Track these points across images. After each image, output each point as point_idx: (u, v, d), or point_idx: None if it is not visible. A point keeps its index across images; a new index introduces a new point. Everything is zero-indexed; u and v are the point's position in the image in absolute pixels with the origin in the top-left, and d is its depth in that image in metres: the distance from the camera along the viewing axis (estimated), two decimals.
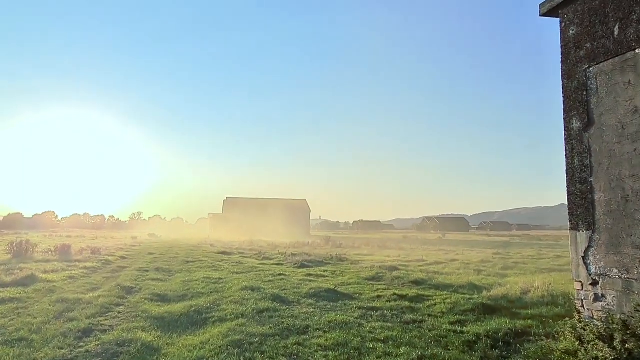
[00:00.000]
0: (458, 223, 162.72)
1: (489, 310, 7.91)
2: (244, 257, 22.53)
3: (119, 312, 8.16)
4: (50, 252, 19.86)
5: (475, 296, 9.36)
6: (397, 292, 9.93)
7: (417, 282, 11.56)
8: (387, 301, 9.02)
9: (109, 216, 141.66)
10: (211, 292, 10.24)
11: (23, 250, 19.28)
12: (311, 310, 8.12)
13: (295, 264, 17.35)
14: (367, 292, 10.29)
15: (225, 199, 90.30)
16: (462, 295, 9.50)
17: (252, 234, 58.65)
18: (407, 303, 8.68)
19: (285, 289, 10.61)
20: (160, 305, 8.77)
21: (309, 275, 13.68)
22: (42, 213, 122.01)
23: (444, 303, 8.58)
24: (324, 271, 14.69)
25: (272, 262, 19.11)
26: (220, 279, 12.62)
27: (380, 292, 10.15)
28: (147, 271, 15.12)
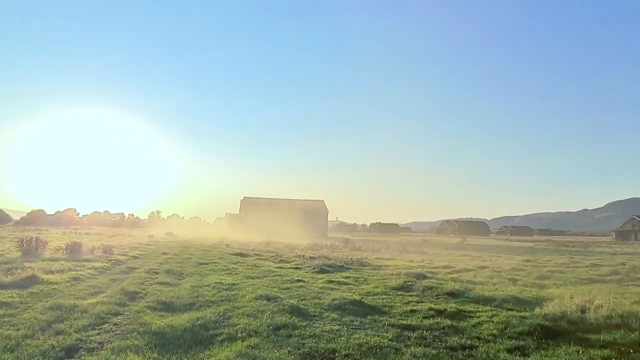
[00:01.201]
0: (478, 227, 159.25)
1: (549, 333, 6.60)
2: (260, 259, 21.48)
3: (115, 325, 7.11)
4: (60, 250, 19.12)
5: (526, 313, 8.03)
6: (433, 305, 8.68)
7: (452, 294, 10.27)
8: (423, 317, 7.78)
9: (129, 214, 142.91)
10: (222, 301, 9.15)
11: (32, 248, 18.61)
12: (336, 327, 6.92)
13: (314, 268, 16.21)
14: (398, 304, 9.06)
15: (242, 198, 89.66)
16: (510, 312, 8.18)
17: (269, 234, 57.74)
18: (448, 321, 7.42)
19: (304, 299, 9.46)
20: (164, 316, 7.71)
21: (330, 282, 12.50)
22: (64, 210, 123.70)
23: (492, 322, 7.29)
24: (346, 278, 13.50)
25: (289, 265, 18.00)
26: (234, 284, 11.54)
27: (414, 305, 8.92)
28: (157, 273, 14.17)
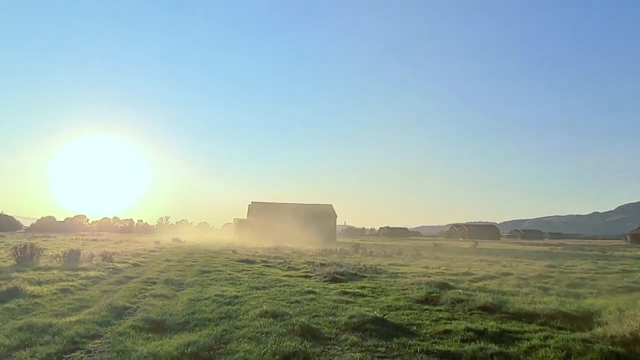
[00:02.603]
0: (488, 230, 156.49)
1: None
2: (268, 266, 20.21)
3: (88, 353, 5.87)
4: (58, 258, 18.04)
5: (585, 334, 6.66)
6: (469, 324, 7.34)
7: (487, 308, 8.92)
8: (462, 341, 6.44)
9: (138, 220, 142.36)
10: (221, 318, 7.89)
11: (27, 256, 17.54)
12: (358, 355, 5.62)
13: (326, 276, 14.91)
14: (427, 322, 7.74)
15: (250, 203, 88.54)
16: (565, 334, 6.83)
17: (277, 239, 56.49)
18: (494, 346, 6.05)
19: (316, 316, 8.17)
20: (150, 339, 6.45)
21: (345, 293, 11.18)
22: (74, 217, 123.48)
23: (548, 347, 5.94)
24: (362, 288, 12.16)
25: (298, 273, 16.71)
26: (236, 297, 10.27)
27: (445, 323, 7.59)
28: (155, 283, 12.98)
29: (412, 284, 12.96)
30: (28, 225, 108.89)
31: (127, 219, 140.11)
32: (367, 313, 7.96)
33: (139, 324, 7.35)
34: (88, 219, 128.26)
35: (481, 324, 7.48)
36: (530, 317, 8.27)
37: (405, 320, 7.92)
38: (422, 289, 11.71)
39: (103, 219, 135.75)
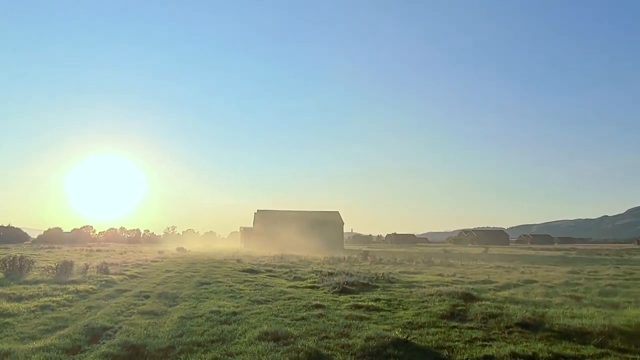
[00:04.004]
0: (497, 236, 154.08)
1: None
2: (272, 276, 18.96)
3: None
4: (50, 270, 16.89)
5: None
6: (513, 347, 6.04)
7: (527, 325, 7.61)
8: None
9: (144, 230, 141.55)
10: (213, 342, 6.64)
11: (16, 268, 16.43)
12: None
13: (335, 287, 13.62)
14: (459, 344, 6.45)
15: (256, 211, 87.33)
16: (632, 357, 5.52)
17: (284, 247, 55.22)
18: None
19: (326, 337, 6.89)
20: None
21: (357, 307, 9.89)
22: (81, 228, 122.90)
23: None
24: (376, 300, 10.87)
25: (305, 283, 15.44)
26: (234, 313, 9.02)
27: (483, 346, 6.30)
28: (147, 297, 11.78)
29: (432, 294, 11.64)
30: (35, 236, 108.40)
31: (134, 229, 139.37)
32: (387, 333, 6.68)
33: (114, 350, 6.13)
34: (95, 230, 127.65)
35: (527, 346, 6.18)
36: (581, 335, 6.96)
37: (433, 341, 6.63)
38: (444, 300, 10.42)
39: (110, 229, 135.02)
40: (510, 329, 7.43)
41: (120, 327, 7.85)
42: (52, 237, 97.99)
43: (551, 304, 10.88)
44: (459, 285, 14.73)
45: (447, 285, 14.49)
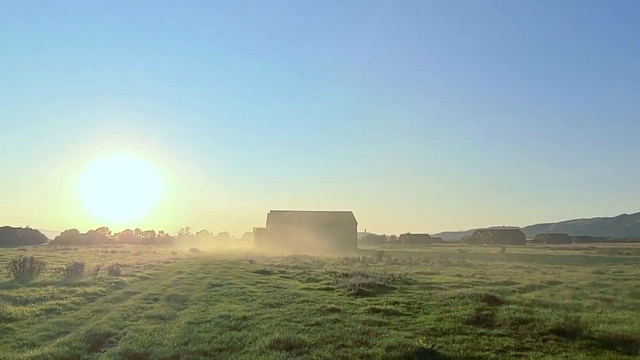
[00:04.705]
0: (513, 235, 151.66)
1: None
2: (285, 277, 18.47)
3: None
4: (60, 272, 16.64)
5: None
6: (554, 359, 5.42)
7: (562, 332, 6.95)
8: None
9: (159, 231, 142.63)
10: (221, 350, 6.14)
11: (27, 270, 16.20)
12: None
13: (350, 289, 13.07)
14: (491, 354, 5.82)
15: (269, 212, 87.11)
16: None
17: (297, 248, 54.80)
18: None
19: (343, 346, 6.33)
20: None
21: (375, 311, 9.31)
22: (97, 229, 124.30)
23: None
24: (394, 304, 10.27)
25: (319, 285, 14.90)
26: (245, 318, 8.52)
27: (517, 356, 5.68)
28: (156, 300, 11.37)
29: (453, 297, 11.01)
30: (52, 238, 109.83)
31: (149, 231, 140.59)
32: (409, 341, 6.10)
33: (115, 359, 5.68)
34: (110, 231, 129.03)
35: (566, 357, 5.56)
36: (624, 343, 6.30)
37: (461, 351, 6.02)
38: (467, 304, 9.79)
39: (125, 230, 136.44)
40: (545, 337, 6.78)
41: (125, 334, 7.40)
42: (69, 239, 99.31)
43: (581, 307, 10.19)
44: (480, 287, 14.04)
45: (468, 287, 13.82)
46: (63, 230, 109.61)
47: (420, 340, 6.21)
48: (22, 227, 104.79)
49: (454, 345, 6.32)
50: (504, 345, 6.27)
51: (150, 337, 6.95)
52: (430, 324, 7.84)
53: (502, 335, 6.96)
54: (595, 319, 8.23)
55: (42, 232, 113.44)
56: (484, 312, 8.69)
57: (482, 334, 7.10)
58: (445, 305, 10.10)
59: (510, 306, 9.40)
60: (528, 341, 6.60)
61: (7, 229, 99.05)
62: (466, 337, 6.85)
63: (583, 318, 8.19)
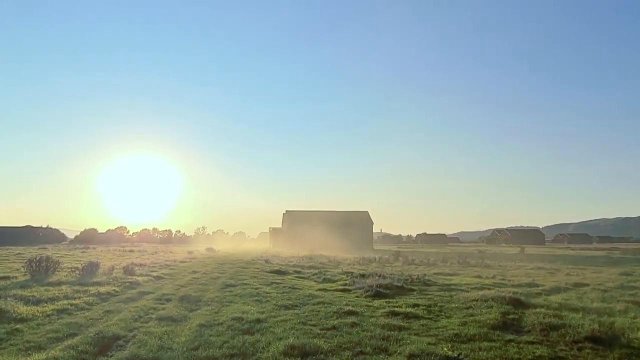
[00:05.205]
0: (532, 235, 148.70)
1: None
2: (301, 277, 18.14)
3: None
4: (76, 271, 16.64)
5: None
6: None
7: (597, 339, 6.44)
8: None
9: (176, 231, 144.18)
10: (232, 356, 5.79)
11: (42, 270, 16.21)
12: None
13: (367, 290, 12.66)
14: None
15: (284, 212, 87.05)
16: None
17: (312, 247, 54.51)
18: None
19: (362, 353, 5.93)
20: None
21: (394, 314, 8.89)
22: (115, 229, 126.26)
23: None
24: (414, 307, 9.82)
25: (335, 286, 14.52)
26: (258, 321, 8.19)
27: None
28: (169, 301, 11.14)
29: (476, 300, 10.51)
30: (72, 237, 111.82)
31: (166, 230, 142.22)
32: (432, 349, 5.69)
33: None
34: (129, 231, 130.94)
35: None
36: None
37: (489, 359, 5.58)
38: (491, 307, 9.30)
39: (143, 230, 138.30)
40: (579, 345, 6.28)
41: (134, 336, 7.14)
42: (88, 238, 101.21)
43: (613, 312, 9.59)
44: (502, 289, 13.49)
45: (490, 289, 13.27)
46: (82, 230, 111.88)
47: (445, 348, 5.78)
48: (43, 226, 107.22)
49: (480, 353, 5.87)
50: (536, 354, 5.79)
51: (159, 341, 6.66)
52: (453, 329, 7.39)
53: (532, 343, 6.47)
54: (631, 324, 7.69)
55: (62, 232, 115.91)
56: (510, 317, 8.20)
57: (510, 340, 6.62)
58: (467, 308, 9.62)
59: (537, 310, 8.88)
60: (562, 350, 6.11)
61: (28, 228, 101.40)
62: (493, 344, 6.38)
63: (618, 324, 7.65)
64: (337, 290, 13.54)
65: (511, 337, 6.86)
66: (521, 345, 6.32)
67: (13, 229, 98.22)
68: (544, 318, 7.79)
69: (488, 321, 7.89)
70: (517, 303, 9.86)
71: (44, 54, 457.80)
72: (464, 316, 8.65)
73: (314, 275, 18.79)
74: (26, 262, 16.73)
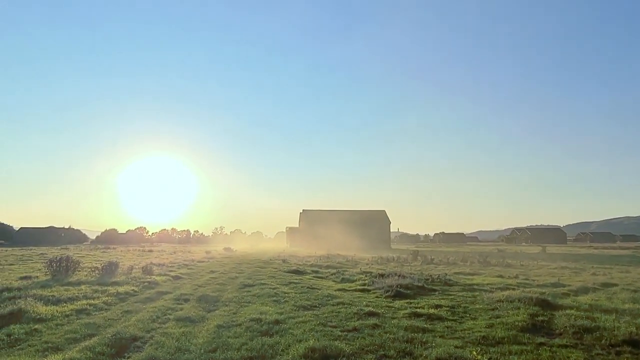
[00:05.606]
0: (553, 234, 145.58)
1: None
2: (319, 277, 17.94)
3: None
4: (96, 271, 16.77)
5: None
6: None
7: (636, 343, 6.06)
8: None
9: (194, 231, 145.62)
10: (251, 359, 5.64)
11: (63, 269, 16.36)
12: None
13: (388, 290, 12.38)
14: None
15: (301, 211, 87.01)
16: None
17: (329, 247, 54.30)
18: None
19: (386, 356, 5.65)
20: None
21: (416, 315, 8.60)
22: (135, 229, 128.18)
23: None
24: (437, 308, 9.51)
25: (354, 286, 14.27)
26: (277, 322, 8.00)
27: None
28: (187, 301, 11.05)
29: (501, 300, 10.14)
30: (93, 237, 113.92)
31: (184, 230, 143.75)
32: (460, 352, 5.40)
33: None
34: (148, 231, 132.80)
35: None
36: None
37: None
38: (518, 308, 8.93)
39: (162, 230, 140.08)
40: (617, 349, 5.92)
41: (152, 337, 7.02)
42: (109, 238, 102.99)
43: None
44: (527, 289, 13.05)
45: (514, 289, 12.86)
46: (103, 230, 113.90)
47: (473, 352, 5.49)
48: (65, 227, 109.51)
49: (511, 357, 5.55)
50: (571, 359, 5.47)
51: (177, 343, 6.52)
52: (480, 331, 7.07)
53: (566, 346, 6.13)
54: None
55: (83, 232, 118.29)
56: (539, 318, 7.84)
57: (542, 344, 6.28)
58: (493, 309, 9.27)
59: (567, 312, 8.48)
60: (598, 354, 5.76)
61: (51, 229, 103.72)
62: (524, 347, 6.05)
63: None
64: (356, 290, 13.30)
65: (542, 340, 6.52)
66: (554, 349, 5.98)
67: (37, 229, 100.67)
68: (575, 320, 7.41)
69: (516, 323, 7.55)
70: (544, 304, 9.47)
71: (64, 57, 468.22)
72: (490, 318, 8.32)
73: (332, 275, 18.57)
74: (47, 262, 16.91)
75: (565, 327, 7.10)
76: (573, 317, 7.76)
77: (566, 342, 6.39)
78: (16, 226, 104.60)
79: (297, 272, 20.04)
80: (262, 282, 15.54)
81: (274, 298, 11.42)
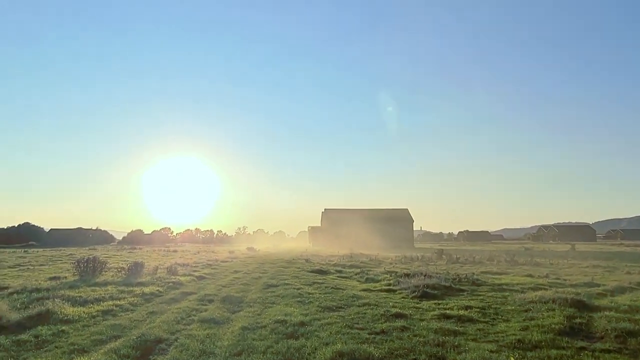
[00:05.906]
0: (582, 231, 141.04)
1: None
2: (343, 277, 17.73)
3: None
4: (122, 272, 16.96)
5: None
6: None
7: None
8: None
9: (218, 231, 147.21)
10: None
11: (90, 270, 16.61)
12: None
13: (414, 291, 12.08)
14: None
15: (323, 210, 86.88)
16: None
17: (352, 246, 53.95)
18: None
19: None
20: None
21: (446, 317, 8.31)
22: (160, 229, 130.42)
23: None
24: (466, 308, 9.19)
25: (379, 286, 14.00)
26: (302, 324, 7.83)
27: None
28: (211, 302, 11.00)
29: (533, 301, 9.73)
30: (120, 238, 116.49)
31: (208, 230, 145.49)
32: (495, 357, 5.12)
33: None
34: (172, 231, 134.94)
35: None
36: None
37: None
38: (553, 310, 8.54)
39: (186, 230, 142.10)
40: None
41: (176, 339, 6.95)
42: (135, 239, 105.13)
43: None
44: (560, 289, 12.55)
45: (546, 289, 12.39)
46: (129, 231, 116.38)
47: (512, 357, 5.20)
48: (93, 228, 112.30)
49: None
50: None
51: (201, 345, 6.43)
52: (514, 335, 6.74)
53: (609, 351, 5.76)
54: None
55: (110, 233, 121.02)
56: (577, 321, 7.45)
57: (582, 348, 5.93)
58: (526, 311, 8.89)
59: (606, 313, 8.05)
60: None
61: (80, 230, 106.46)
62: (563, 352, 5.72)
63: None
64: (381, 290, 13.04)
65: (582, 344, 6.16)
66: (597, 354, 5.62)
67: (65, 230, 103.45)
68: (617, 323, 7.00)
69: (552, 326, 7.18)
70: (580, 305, 9.04)
71: (91, 62, 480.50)
72: (524, 320, 7.96)
73: (356, 274, 18.33)
74: (75, 262, 17.20)
75: (606, 330, 6.71)
76: (614, 319, 7.35)
77: (609, 346, 6.01)
78: (46, 227, 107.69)
79: (320, 271, 19.87)
80: (286, 282, 15.43)
81: (298, 299, 11.28)
